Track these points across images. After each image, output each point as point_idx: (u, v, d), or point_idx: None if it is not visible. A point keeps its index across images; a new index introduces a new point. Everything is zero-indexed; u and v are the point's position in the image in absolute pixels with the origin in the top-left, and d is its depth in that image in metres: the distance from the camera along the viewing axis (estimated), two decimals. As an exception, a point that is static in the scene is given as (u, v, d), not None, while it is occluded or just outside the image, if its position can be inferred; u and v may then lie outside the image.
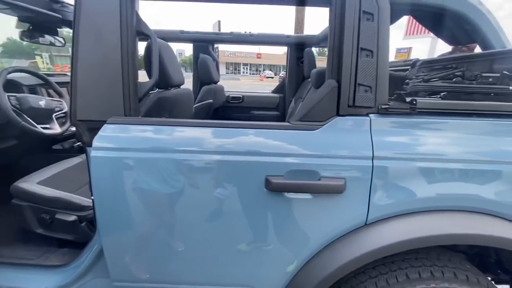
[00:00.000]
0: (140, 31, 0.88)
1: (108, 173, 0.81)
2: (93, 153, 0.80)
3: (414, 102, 0.81)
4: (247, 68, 48.73)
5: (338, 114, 0.83)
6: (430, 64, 1.05)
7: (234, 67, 48.34)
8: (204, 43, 2.10)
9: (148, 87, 0.90)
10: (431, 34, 6.34)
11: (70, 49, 0.86)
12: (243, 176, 0.82)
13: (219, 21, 4.52)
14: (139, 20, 0.87)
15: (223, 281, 0.92)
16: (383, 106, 0.82)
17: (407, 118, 0.83)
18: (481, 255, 1.12)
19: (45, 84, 1.53)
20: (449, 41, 1.08)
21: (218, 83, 2.14)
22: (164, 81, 1.07)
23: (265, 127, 0.84)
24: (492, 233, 0.77)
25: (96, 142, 0.81)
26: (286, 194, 0.82)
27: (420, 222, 0.81)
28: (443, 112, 0.82)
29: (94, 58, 0.82)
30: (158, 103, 1.05)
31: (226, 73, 46.52)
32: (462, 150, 0.80)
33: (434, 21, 1.02)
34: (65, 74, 1.98)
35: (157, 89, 1.19)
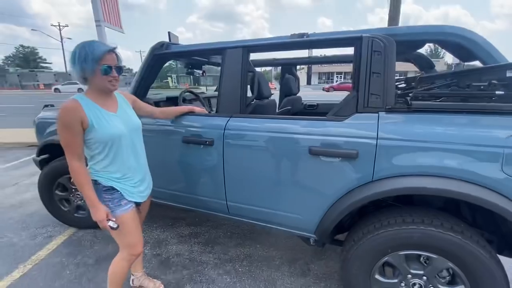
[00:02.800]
0: (249, 70, 1.69)
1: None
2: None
3: (410, 103, 1.27)
4: (340, 77, 47.26)
5: (357, 112, 1.37)
6: (428, 78, 1.40)
7: (327, 77, 47.85)
8: (288, 66, 2.86)
9: (250, 99, 1.69)
10: None
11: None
12: (298, 145, 1.47)
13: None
14: (249, 64, 1.68)
15: (281, 208, 1.59)
16: (388, 107, 1.32)
17: (403, 114, 1.29)
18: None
19: (197, 98, 2.63)
20: (460, 58, 1.39)
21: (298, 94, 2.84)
22: (260, 94, 1.85)
23: (312, 119, 1.48)
24: (459, 190, 1.14)
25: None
26: (321, 157, 1.42)
27: (409, 181, 1.25)
28: (431, 110, 1.24)
29: (230, 85, 1.67)
30: (255, 107, 1.83)
31: (318, 82, 46.54)
32: (442, 135, 1.20)
33: (451, 48, 1.39)
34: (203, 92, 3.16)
35: (255, 100, 1.99)
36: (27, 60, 49.78)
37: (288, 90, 2.66)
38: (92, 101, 1.22)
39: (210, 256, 2.15)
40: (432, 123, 1.24)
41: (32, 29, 46.56)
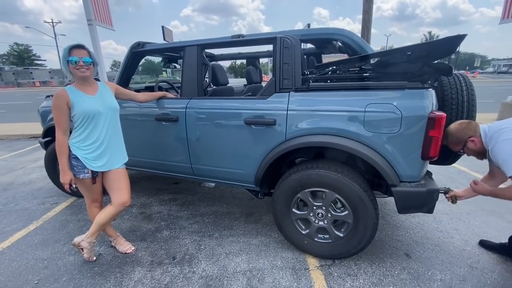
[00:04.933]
0: (204, 63, 2.20)
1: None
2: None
3: (309, 85, 1.79)
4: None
5: (275, 92, 1.90)
6: (324, 65, 1.93)
7: (322, 69, 48.21)
8: (252, 59, 3.36)
9: (206, 84, 2.20)
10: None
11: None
12: (237, 118, 2.00)
13: (308, 24, 5.20)
14: (203, 58, 2.19)
15: (229, 166, 2.13)
16: (296, 87, 1.84)
17: (306, 92, 1.81)
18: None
19: (172, 88, 3.14)
20: (350, 51, 1.91)
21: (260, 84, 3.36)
22: (216, 82, 2.37)
23: (247, 98, 2.01)
24: (340, 143, 1.67)
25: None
26: (252, 126, 1.95)
27: (307, 138, 1.78)
28: (322, 89, 1.77)
29: (189, 74, 2.19)
30: (214, 92, 2.35)
31: (313, 75, 46.82)
32: (327, 105, 1.73)
33: (343, 44, 1.91)
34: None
35: (213, 86, 2.50)
36: (22, 58, 49.68)
37: (250, 79, 3.18)
38: (75, 88, 1.69)
39: (184, 213, 2.71)
40: (321, 97, 1.77)
41: (26, 27, 46.14)
